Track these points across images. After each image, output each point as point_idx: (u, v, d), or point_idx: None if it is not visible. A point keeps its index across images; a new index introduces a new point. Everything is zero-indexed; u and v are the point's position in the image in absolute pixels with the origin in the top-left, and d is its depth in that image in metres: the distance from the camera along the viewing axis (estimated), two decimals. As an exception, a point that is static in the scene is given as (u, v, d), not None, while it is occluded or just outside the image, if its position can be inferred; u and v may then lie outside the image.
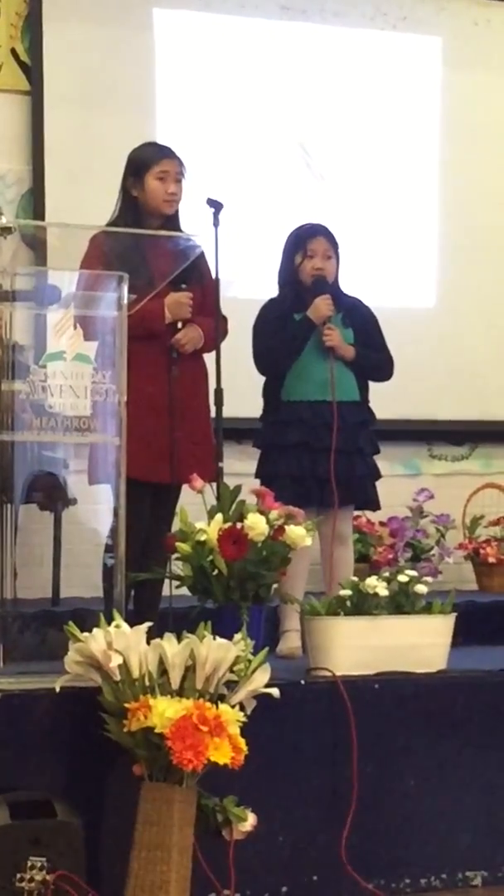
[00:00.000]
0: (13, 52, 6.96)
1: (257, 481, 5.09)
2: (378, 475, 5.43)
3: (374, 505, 5.49)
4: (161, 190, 5.03)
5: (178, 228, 5.04)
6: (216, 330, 5.00)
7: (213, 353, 5.03)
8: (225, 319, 5.14)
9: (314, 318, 5.29)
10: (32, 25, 6.94)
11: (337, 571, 5.22)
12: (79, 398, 4.15)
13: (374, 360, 5.44)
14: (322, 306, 5.29)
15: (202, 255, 4.93)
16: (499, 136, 7.70)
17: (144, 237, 4.72)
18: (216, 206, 5.05)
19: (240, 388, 5.30)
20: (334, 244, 5.40)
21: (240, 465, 5.72)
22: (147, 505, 4.87)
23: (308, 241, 5.37)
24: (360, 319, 5.45)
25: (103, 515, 4.34)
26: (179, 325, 4.97)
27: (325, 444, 5.18)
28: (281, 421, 5.29)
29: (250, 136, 7.26)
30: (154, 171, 5.03)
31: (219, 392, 4.98)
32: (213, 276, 5.03)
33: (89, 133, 6.90)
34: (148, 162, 5.05)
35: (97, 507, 4.46)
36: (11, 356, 4.16)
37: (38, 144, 6.91)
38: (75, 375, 4.15)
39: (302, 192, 7.28)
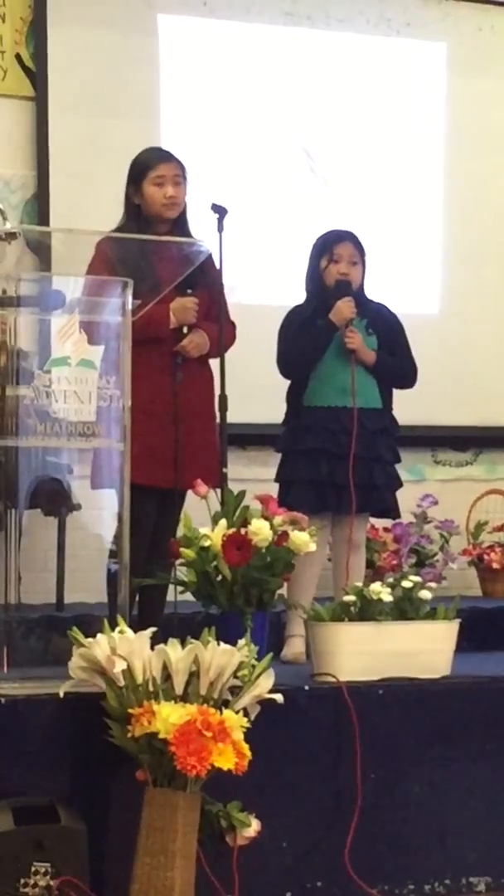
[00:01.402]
0: (18, 57, 6.96)
1: (261, 486, 5.07)
2: (399, 483, 5.40)
3: (394, 513, 5.47)
4: (159, 194, 4.99)
5: (186, 233, 5.01)
6: (221, 335, 4.99)
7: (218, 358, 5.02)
8: (233, 325, 5.13)
9: (336, 320, 5.26)
10: (37, 31, 6.94)
11: (350, 578, 5.20)
12: (83, 403, 4.14)
13: (396, 366, 5.39)
14: (344, 308, 5.25)
15: (211, 260, 4.92)
16: (503, 141, 7.70)
17: (149, 243, 4.70)
18: (221, 211, 5.04)
19: (244, 393, 5.29)
20: (361, 250, 5.37)
21: (244, 470, 5.72)
22: (151, 510, 4.86)
23: (334, 245, 5.34)
24: (384, 326, 5.41)
25: (107, 521, 4.34)
26: (185, 330, 4.96)
27: (343, 450, 5.16)
28: (301, 426, 5.27)
29: (255, 141, 7.26)
30: (150, 176, 5.00)
31: (222, 397, 4.96)
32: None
33: (94, 138, 6.90)
34: (144, 168, 5.02)
35: (101, 513, 4.46)
36: (16, 362, 4.16)
37: (43, 150, 6.91)
38: (80, 381, 4.14)
39: (306, 198, 7.28)
